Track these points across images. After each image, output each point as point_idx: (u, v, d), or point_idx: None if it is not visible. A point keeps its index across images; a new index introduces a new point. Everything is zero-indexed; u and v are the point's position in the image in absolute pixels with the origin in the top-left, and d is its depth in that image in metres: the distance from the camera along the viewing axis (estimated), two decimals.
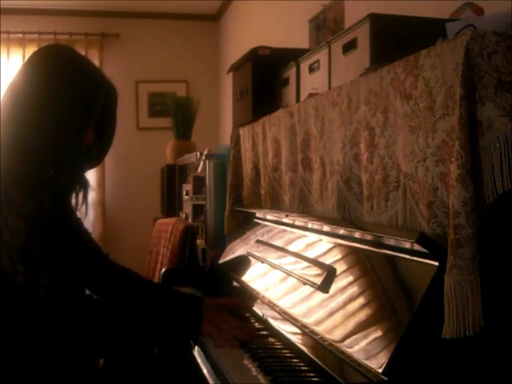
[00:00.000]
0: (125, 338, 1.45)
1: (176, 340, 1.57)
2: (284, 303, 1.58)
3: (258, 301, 1.76)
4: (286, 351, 1.43)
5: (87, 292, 1.65)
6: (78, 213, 1.64)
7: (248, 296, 1.83)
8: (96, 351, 1.49)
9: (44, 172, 1.46)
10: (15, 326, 1.39)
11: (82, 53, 4.28)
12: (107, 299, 1.53)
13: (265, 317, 1.65)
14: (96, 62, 5.42)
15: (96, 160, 1.63)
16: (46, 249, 1.38)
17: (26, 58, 1.57)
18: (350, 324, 1.24)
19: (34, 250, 1.36)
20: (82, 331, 1.40)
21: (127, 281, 1.75)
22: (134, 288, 1.72)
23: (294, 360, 1.36)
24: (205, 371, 1.47)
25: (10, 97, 1.49)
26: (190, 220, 3.65)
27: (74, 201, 1.58)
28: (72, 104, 1.47)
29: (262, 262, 1.87)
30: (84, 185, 1.58)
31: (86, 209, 1.60)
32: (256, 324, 1.67)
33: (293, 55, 2.41)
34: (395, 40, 1.66)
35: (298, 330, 1.44)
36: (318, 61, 2.13)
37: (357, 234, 1.42)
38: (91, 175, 1.72)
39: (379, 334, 1.15)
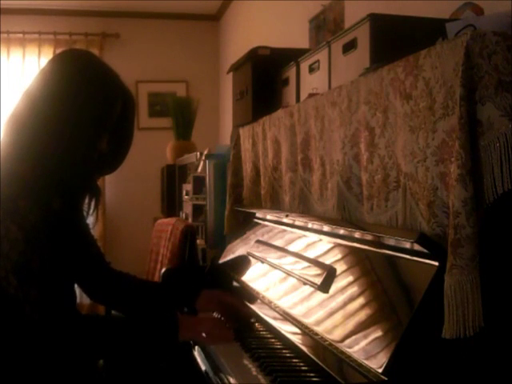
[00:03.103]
0: (105, 351, 1.47)
1: (155, 351, 1.56)
2: (284, 303, 1.58)
3: (258, 301, 1.76)
4: (286, 351, 1.43)
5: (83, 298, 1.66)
6: (88, 219, 1.63)
7: (247, 296, 1.84)
8: (79, 361, 1.49)
9: (57, 177, 1.46)
10: (9, 328, 1.39)
11: None
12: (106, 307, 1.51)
13: (265, 317, 1.65)
14: None
15: (111, 166, 1.62)
16: (42, 264, 1.36)
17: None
18: (350, 324, 1.24)
19: (29, 265, 1.35)
20: (64, 347, 1.40)
21: (124, 288, 1.76)
22: (129, 295, 1.74)
23: (294, 360, 1.36)
24: (205, 371, 1.47)
25: (26, 100, 1.48)
26: (189, 220, 3.65)
27: (85, 205, 1.58)
28: (89, 110, 1.46)
29: (262, 262, 1.87)
30: (95, 191, 1.58)
31: (97, 215, 1.60)
32: (256, 324, 1.67)
33: (293, 55, 2.41)
34: (395, 40, 1.66)
35: (298, 330, 1.44)
36: (318, 61, 2.13)
37: (357, 234, 1.42)
38: None
39: (379, 333, 1.15)
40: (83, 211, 1.59)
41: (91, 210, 1.58)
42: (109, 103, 1.50)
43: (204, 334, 1.50)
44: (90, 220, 1.64)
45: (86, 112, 1.46)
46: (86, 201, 1.58)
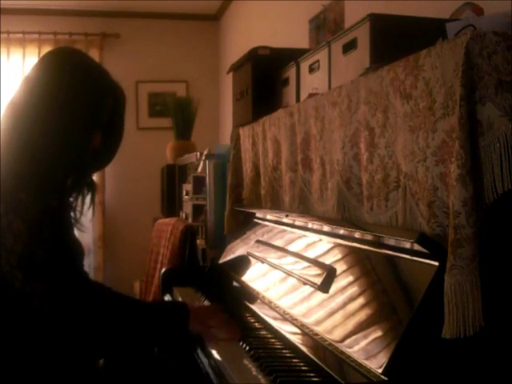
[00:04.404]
0: (116, 343, 1.47)
1: (165, 339, 1.58)
2: (284, 303, 1.58)
3: (258, 301, 1.76)
4: (286, 351, 1.43)
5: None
6: (83, 214, 1.63)
7: (247, 296, 1.84)
8: (89, 353, 1.50)
9: (52, 175, 1.46)
10: (12, 326, 1.39)
11: None
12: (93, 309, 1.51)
13: (265, 317, 1.65)
14: None
15: (103, 162, 1.63)
16: (46, 256, 1.37)
17: (36, 60, 1.57)
18: (350, 324, 1.24)
19: (33, 258, 1.35)
20: (74, 338, 1.41)
21: (108, 294, 1.75)
22: (116, 299, 1.73)
23: (294, 360, 1.36)
24: (205, 371, 1.47)
25: (20, 98, 1.49)
26: (189, 220, 3.65)
27: (80, 203, 1.57)
28: (82, 107, 1.48)
29: (262, 262, 1.87)
30: (91, 187, 1.59)
31: (93, 211, 1.61)
32: (256, 324, 1.67)
33: (293, 55, 2.41)
34: (395, 40, 1.66)
35: (298, 330, 1.44)
36: (318, 61, 2.13)
37: (357, 234, 1.43)
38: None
39: (379, 333, 1.15)
40: (76, 212, 1.58)
41: (86, 207, 1.58)
42: (101, 100, 1.52)
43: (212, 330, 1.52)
44: (87, 216, 1.64)
45: (79, 110, 1.48)
46: (81, 197, 1.58)
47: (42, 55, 1.59)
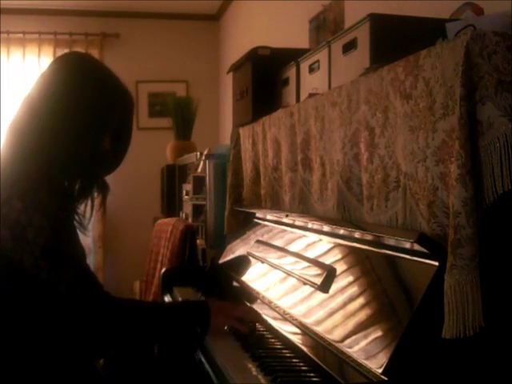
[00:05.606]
0: (140, 333, 1.51)
1: (188, 335, 1.61)
2: (284, 303, 1.58)
3: (258, 301, 1.76)
4: (286, 351, 1.43)
5: None
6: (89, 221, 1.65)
7: (247, 296, 1.84)
8: (112, 344, 1.53)
9: (60, 180, 1.49)
10: (25, 320, 1.40)
11: None
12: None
13: (265, 317, 1.65)
14: None
15: (113, 165, 1.64)
16: (68, 247, 1.42)
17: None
18: (350, 324, 1.24)
19: (57, 248, 1.39)
20: (102, 325, 1.45)
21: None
22: (134, 301, 1.77)
23: (294, 360, 1.36)
24: (205, 371, 1.47)
25: (29, 103, 1.50)
26: (189, 220, 3.65)
27: (88, 208, 1.58)
28: (92, 112, 1.50)
29: (262, 262, 1.87)
30: (103, 189, 1.59)
31: (104, 211, 1.64)
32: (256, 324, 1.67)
33: (293, 55, 2.40)
34: (395, 40, 1.66)
35: (298, 330, 1.44)
36: (318, 61, 2.12)
37: (357, 234, 1.43)
38: None
39: (379, 333, 1.15)
40: (82, 217, 1.59)
41: (94, 211, 1.59)
42: (111, 104, 1.54)
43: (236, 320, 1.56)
44: (91, 221, 1.65)
45: (89, 114, 1.50)
46: (90, 202, 1.59)
47: (53, 59, 1.61)
